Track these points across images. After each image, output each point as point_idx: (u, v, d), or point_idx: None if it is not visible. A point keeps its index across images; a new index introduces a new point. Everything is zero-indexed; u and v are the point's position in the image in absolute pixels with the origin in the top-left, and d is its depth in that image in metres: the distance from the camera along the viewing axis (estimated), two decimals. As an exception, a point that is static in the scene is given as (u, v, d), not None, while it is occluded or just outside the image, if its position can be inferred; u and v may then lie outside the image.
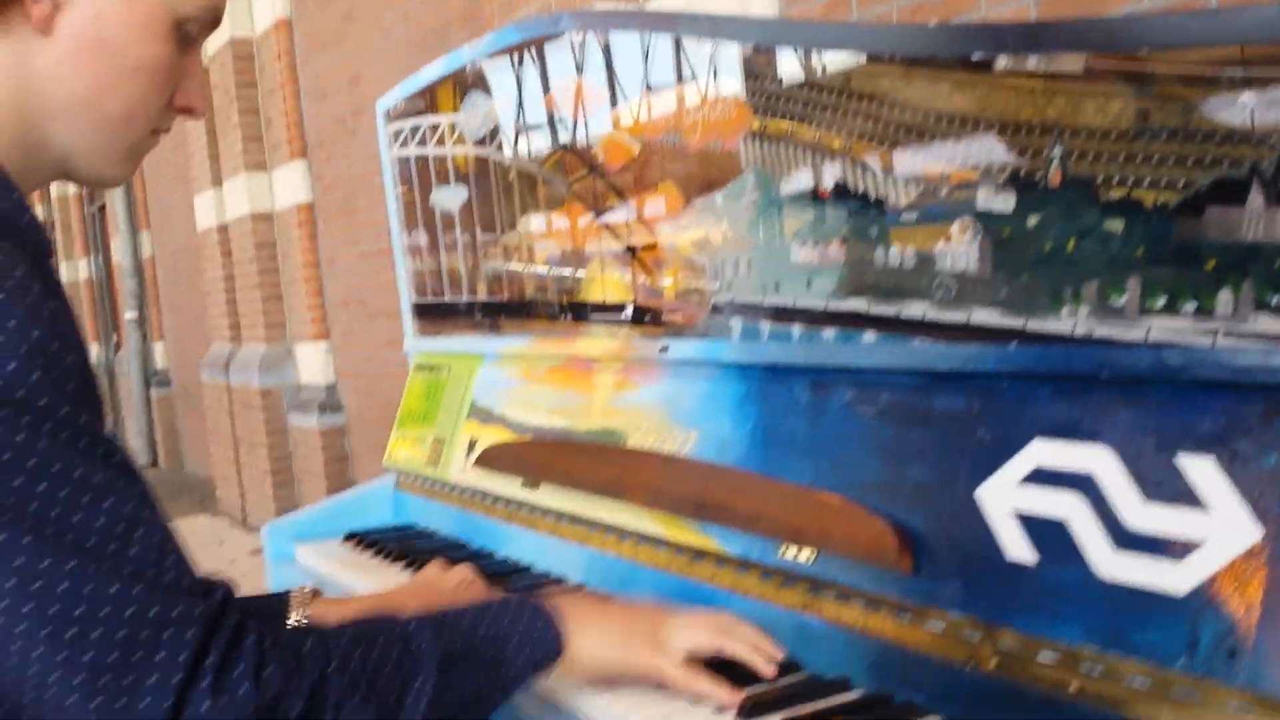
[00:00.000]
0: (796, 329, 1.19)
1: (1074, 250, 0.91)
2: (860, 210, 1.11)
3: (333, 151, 5.52)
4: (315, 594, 1.14)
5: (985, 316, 0.98)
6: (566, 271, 1.64)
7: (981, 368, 0.97)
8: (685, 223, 1.38)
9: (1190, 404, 0.81)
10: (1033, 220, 0.94)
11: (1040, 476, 0.89)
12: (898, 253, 1.08)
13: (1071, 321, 0.91)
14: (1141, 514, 0.82)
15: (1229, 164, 0.80)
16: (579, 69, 1.52)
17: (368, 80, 5.18)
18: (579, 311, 1.60)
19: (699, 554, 1.21)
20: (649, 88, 1.41)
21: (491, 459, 1.63)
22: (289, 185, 5.65)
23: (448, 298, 1.98)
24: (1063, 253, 0.92)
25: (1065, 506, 0.86)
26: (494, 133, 1.75)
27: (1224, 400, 0.79)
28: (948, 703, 0.91)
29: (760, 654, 1.01)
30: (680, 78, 1.35)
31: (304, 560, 1.80)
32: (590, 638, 0.96)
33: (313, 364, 5.58)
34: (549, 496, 1.50)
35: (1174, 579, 0.78)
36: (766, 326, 1.25)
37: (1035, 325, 0.94)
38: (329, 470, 5.29)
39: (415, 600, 1.09)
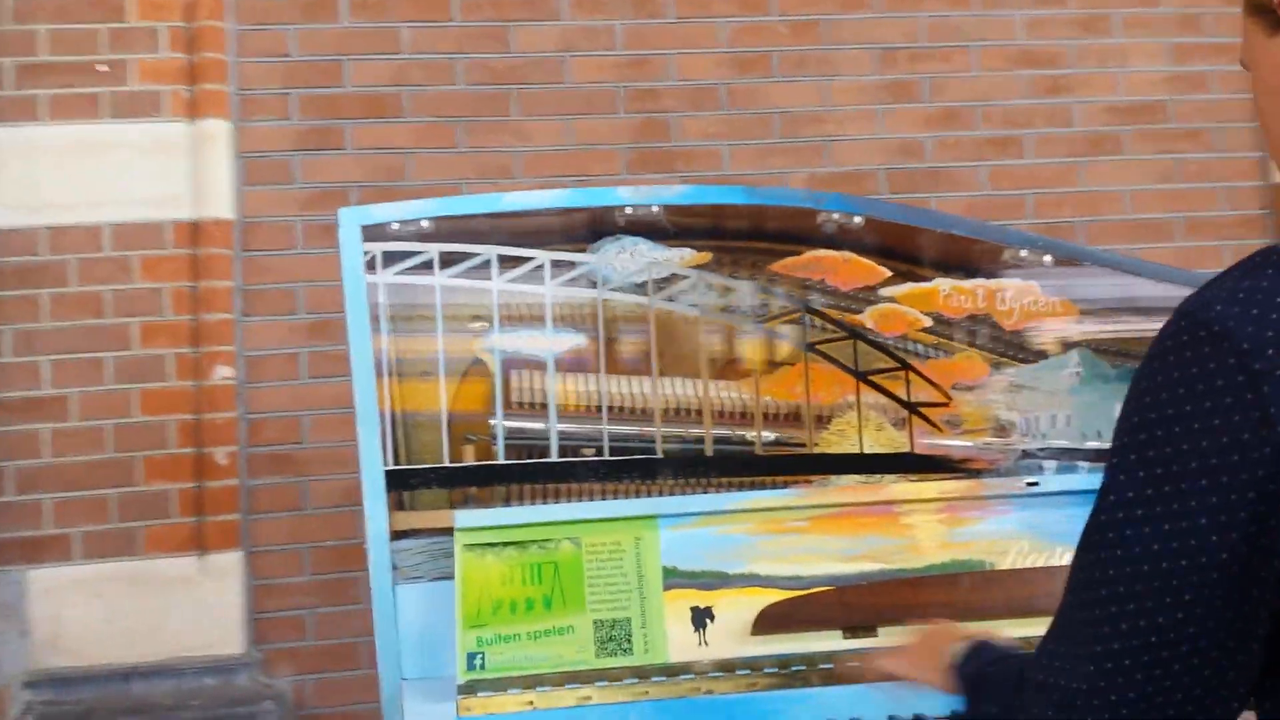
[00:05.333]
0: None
1: None
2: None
3: None
4: None
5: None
6: (787, 425, 1.67)
7: None
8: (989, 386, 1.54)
9: None
10: None
11: None
12: None
13: None
14: None
15: None
16: (836, 245, 1.57)
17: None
18: (834, 464, 1.65)
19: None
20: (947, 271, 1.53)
21: (788, 617, 1.59)
22: None
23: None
24: None
25: None
26: (666, 281, 1.68)
27: None
28: None
29: None
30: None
31: None
32: None
33: None
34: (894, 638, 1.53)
35: None
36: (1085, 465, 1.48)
37: None
38: None
39: None
